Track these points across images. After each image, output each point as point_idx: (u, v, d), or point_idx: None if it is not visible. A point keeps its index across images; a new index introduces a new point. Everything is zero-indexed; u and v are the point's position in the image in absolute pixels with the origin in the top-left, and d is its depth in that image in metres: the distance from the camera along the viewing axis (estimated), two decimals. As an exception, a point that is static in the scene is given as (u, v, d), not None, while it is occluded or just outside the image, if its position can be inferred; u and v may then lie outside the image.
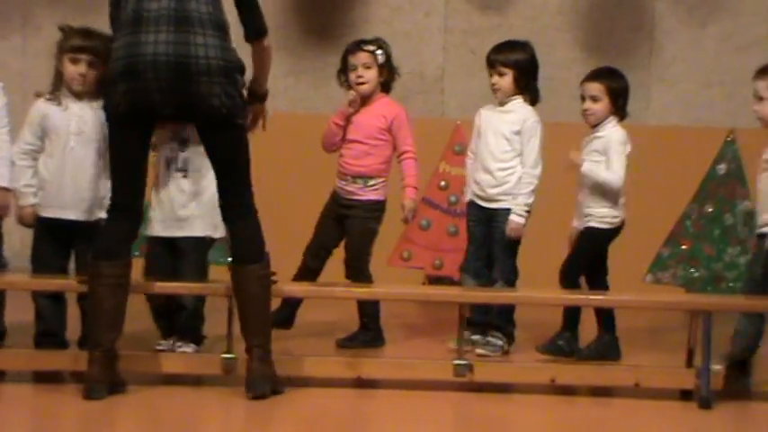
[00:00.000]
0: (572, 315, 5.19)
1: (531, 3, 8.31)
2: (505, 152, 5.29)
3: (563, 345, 5.16)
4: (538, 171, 5.28)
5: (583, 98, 5.29)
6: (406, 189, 5.38)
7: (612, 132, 5.23)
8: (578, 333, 5.18)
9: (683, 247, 7.01)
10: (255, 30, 4.41)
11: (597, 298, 5.02)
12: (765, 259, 4.63)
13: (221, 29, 4.28)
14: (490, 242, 5.32)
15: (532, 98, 5.38)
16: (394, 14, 7.95)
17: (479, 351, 5.17)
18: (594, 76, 5.31)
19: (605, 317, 5.22)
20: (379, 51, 5.40)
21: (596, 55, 8.14)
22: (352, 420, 4.35)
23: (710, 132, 7.16)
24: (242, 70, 4.34)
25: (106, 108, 4.34)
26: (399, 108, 5.45)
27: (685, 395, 4.60)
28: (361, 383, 4.63)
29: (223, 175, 4.37)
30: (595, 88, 5.25)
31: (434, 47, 7.98)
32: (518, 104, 5.35)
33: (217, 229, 4.90)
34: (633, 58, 8.23)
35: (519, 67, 5.32)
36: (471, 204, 5.40)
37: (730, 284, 7.12)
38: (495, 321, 5.28)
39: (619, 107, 5.27)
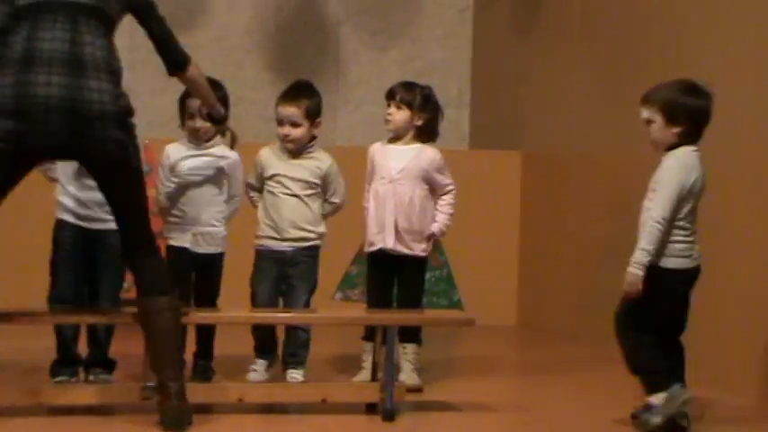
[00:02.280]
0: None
1: (219, 23, 8.35)
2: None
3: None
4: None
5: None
6: None
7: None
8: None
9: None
10: (175, 63, 4.46)
11: (281, 316, 5.03)
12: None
13: (114, 74, 4.20)
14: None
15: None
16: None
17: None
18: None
19: (208, 342, 5.20)
20: None
21: (285, 76, 8.27)
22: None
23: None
24: (132, 114, 4.28)
25: None
26: None
27: (371, 408, 4.72)
28: (50, 411, 4.47)
29: (122, 215, 4.32)
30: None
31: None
32: None
33: None
34: (320, 80, 8.40)
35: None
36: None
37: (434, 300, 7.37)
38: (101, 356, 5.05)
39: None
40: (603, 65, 6.96)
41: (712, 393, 5.08)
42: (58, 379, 4.89)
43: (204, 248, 5.12)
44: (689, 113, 4.45)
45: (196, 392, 4.71)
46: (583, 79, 7.20)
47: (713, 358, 5.43)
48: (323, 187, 5.23)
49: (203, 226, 5.11)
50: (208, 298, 5.13)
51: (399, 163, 5.26)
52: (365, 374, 5.15)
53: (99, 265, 4.96)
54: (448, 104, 8.56)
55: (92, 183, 4.84)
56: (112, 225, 4.86)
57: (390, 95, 5.31)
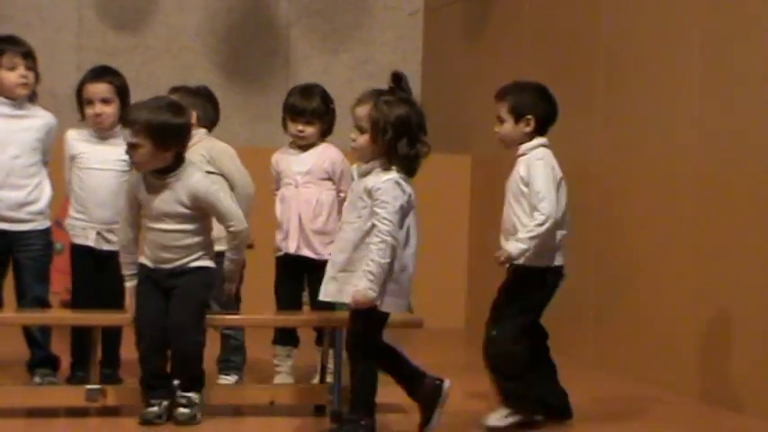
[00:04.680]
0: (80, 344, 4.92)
1: (168, 24, 8.29)
2: None
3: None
4: None
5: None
6: None
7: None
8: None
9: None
10: None
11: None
12: None
13: None
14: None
15: None
16: (22, 31, 7.69)
17: None
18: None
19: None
20: None
21: (235, 78, 8.26)
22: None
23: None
24: None
25: None
26: None
27: (319, 410, 4.73)
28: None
29: None
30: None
31: (67, 65, 7.78)
32: None
33: None
34: (270, 83, 8.40)
35: None
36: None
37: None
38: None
39: None
40: (553, 69, 6.99)
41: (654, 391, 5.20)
42: None
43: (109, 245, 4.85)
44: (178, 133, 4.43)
45: (138, 396, 4.69)
46: (532, 83, 7.21)
47: (663, 357, 5.48)
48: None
49: (108, 223, 4.86)
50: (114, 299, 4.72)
51: (303, 167, 5.21)
52: (283, 377, 5.15)
53: (21, 267, 4.87)
54: (398, 108, 8.58)
55: (14, 182, 4.81)
56: (34, 226, 4.81)
57: (301, 113, 5.21)
